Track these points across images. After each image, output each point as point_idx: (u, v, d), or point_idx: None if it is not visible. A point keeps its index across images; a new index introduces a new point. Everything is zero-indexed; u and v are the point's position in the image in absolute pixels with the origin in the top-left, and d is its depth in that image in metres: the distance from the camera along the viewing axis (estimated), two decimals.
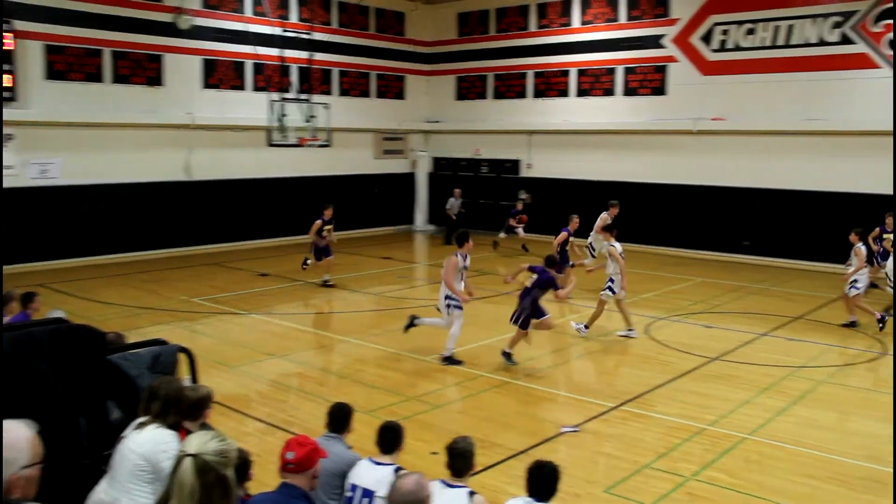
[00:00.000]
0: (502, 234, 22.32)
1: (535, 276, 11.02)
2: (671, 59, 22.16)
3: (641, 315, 14.17)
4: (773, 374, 10.88)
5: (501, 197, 25.42)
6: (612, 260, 12.76)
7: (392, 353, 11.83)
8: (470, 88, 26.95)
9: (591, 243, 17.09)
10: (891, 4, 18.67)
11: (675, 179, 22.09)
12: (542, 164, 25.10)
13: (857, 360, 11.72)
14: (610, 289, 12.70)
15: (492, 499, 5.32)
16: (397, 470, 5.03)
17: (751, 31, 20.77)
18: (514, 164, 25.85)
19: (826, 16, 19.65)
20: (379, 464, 5.15)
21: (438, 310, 11.44)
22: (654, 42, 22.40)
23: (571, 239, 15.81)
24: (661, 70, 22.35)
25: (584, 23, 23.89)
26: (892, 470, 7.72)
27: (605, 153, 23.42)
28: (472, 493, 4.77)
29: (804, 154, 20.07)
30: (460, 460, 4.92)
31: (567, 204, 20.73)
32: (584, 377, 10.79)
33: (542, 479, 4.78)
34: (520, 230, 21.85)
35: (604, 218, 16.48)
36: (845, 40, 19.38)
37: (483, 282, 17.58)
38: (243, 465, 4.45)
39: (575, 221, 15.88)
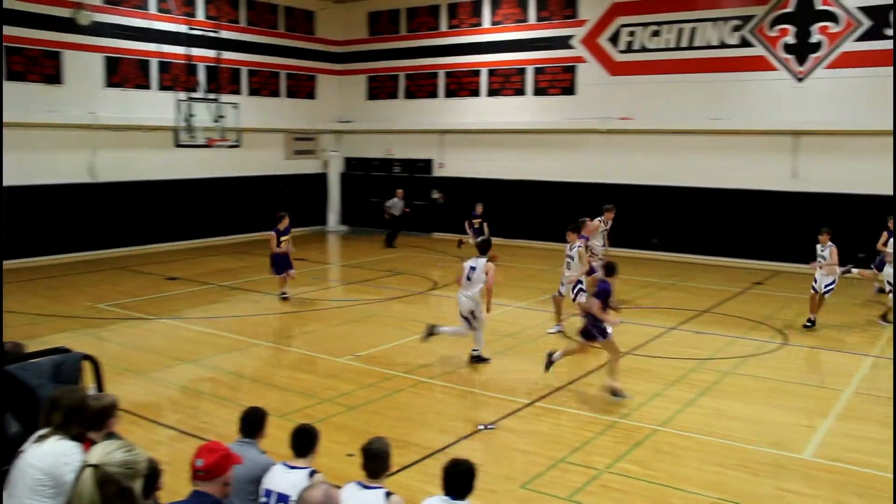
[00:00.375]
0: (469, 238, 20.20)
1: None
2: (580, 59, 22.56)
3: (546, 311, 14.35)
4: (681, 367, 11.19)
5: (414, 197, 25.43)
6: (579, 261, 12.87)
7: (306, 356, 11.69)
8: (381, 88, 26.87)
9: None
10: (787, 9, 19.45)
11: (585, 178, 22.49)
12: (455, 164, 25.23)
13: (759, 352, 12.14)
14: (582, 290, 12.79)
15: (409, 498, 5.29)
16: (312, 473, 4.95)
17: (656, 33, 21.33)
18: (427, 164, 25.90)
19: (726, 19, 20.33)
20: (293, 468, 5.07)
21: (465, 318, 11.10)
22: (563, 43, 22.77)
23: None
24: (571, 70, 22.73)
25: (494, 23, 24.11)
26: (795, 455, 8.05)
27: (517, 152, 23.70)
28: (388, 494, 4.73)
29: (708, 152, 20.73)
30: (376, 461, 4.88)
31: (481, 203, 20.90)
32: (500, 375, 10.86)
33: (459, 477, 4.78)
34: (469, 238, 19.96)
35: (595, 225, 15.24)
36: (745, 43, 20.10)
37: (397, 281, 17.58)
38: (152, 475, 4.29)
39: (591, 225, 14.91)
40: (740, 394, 10.16)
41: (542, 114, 23.22)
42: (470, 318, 11.01)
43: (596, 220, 15.29)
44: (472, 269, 11.02)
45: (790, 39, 19.52)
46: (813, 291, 13.70)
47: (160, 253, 21.33)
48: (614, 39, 21.97)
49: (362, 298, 15.89)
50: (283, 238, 15.32)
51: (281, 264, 15.36)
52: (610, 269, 10.06)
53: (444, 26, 25.19)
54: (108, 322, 13.61)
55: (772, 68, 19.80)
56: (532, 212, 22.16)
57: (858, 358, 11.80)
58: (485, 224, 20.22)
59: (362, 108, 27.24)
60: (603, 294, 9.69)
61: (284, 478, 5.00)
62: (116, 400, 4.99)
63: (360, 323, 13.37)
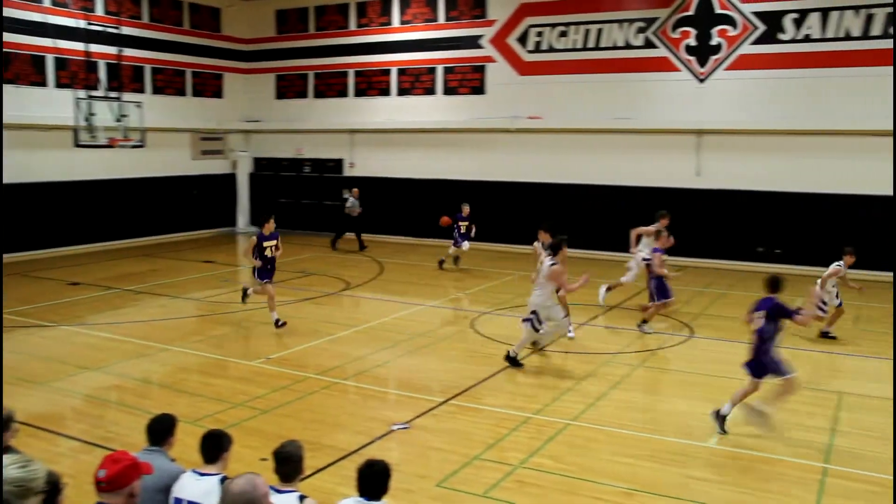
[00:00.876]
0: (452, 250, 19.24)
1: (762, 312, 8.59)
2: (489, 59, 22.76)
3: (467, 310, 14.46)
4: (593, 362, 11.40)
5: (325, 197, 25.21)
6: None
7: (216, 360, 11.43)
8: (290, 87, 26.51)
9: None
10: (689, 13, 20.06)
11: (496, 177, 22.73)
12: (366, 164, 25.11)
13: (667, 345, 12.47)
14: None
15: (323, 501, 5.23)
16: (223, 479, 4.83)
17: (563, 34, 21.68)
18: (338, 164, 25.69)
19: (631, 21, 20.83)
20: (203, 475, 4.93)
21: (537, 322, 11.00)
22: (472, 42, 22.92)
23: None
24: (480, 70, 22.91)
25: (403, 22, 24.08)
26: (701, 444, 8.30)
27: (428, 152, 23.76)
28: (302, 497, 4.66)
29: (615, 151, 21.20)
30: (288, 465, 4.80)
31: (392, 202, 20.87)
32: (413, 374, 10.85)
33: (373, 477, 4.74)
34: (465, 244, 18.91)
35: (649, 230, 14.42)
36: (649, 45, 20.64)
37: (309, 282, 17.39)
38: (53, 490, 4.11)
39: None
40: (649, 386, 10.43)
41: (453, 113, 23.33)
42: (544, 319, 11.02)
43: (652, 227, 14.36)
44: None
45: (692, 41, 20.14)
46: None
47: (62, 257, 20.53)
48: (523, 39, 22.24)
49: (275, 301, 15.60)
50: (267, 244, 12.92)
51: (265, 272, 13.04)
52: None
53: (353, 25, 25.02)
54: (5, 330, 12.99)
55: (675, 69, 20.39)
56: (444, 211, 22.13)
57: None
58: (472, 226, 19.12)
59: (271, 107, 26.83)
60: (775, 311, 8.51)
61: (195, 486, 4.86)
62: (12, 412, 4.77)
63: (272, 325, 13.15)
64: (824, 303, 12.61)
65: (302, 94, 26.22)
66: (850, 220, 18.53)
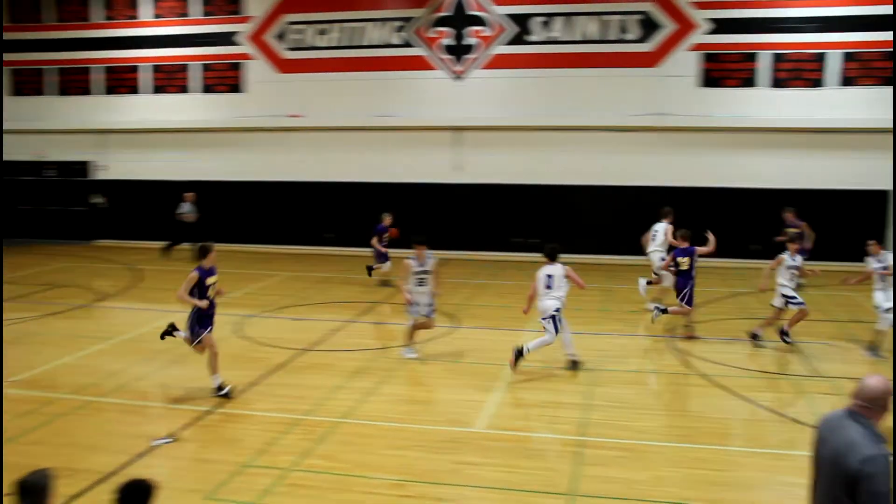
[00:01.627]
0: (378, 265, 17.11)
1: None
2: (247, 56, 22.19)
3: (230, 314, 14.02)
4: (361, 358, 11.44)
5: (71, 202, 23.44)
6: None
7: None
8: (26, 83, 24.31)
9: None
10: (445, 13, 20.70)
11: (257, 176, 22.23)
12: (119, 165, 23.58)
13: (433, 336, 12.71)
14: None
15: None
16: None
17: (323, 32, 21.61)
18: (84, 166, 23.91)
19: (389, 20, 21.16)
20: None
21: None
22: (228, 39, 22.23)
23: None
24: (238, 67, 22.28)
25: (155, 16, 22.88)
26: (469, 429, 8.59)
27: (185, 152, 22.74)
28: None
29: (377, 149, 21.48)
30: (33, 496, 4.37)
31: (147, 205, 19.73)
32: (177, 384, 10.30)
33: (133, 498, 4.43)
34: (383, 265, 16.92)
35: (668, 230, 14.52)
36: (407, 44, 21.07)
37: (57, 295, 16.08)
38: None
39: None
40: (418, 378, 10.64)
41: (211, 112, 22.50)
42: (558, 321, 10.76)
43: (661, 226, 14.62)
44: (550, 276, 10.75)
45: (448, 41, 20.83)
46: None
47: None
48: (281, 37, 21.89)
49: (15, 317, 14.17)
50: (210, 280, 9.78)
51: (208, 320, 9.86)
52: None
53: (97, 17, 23.37)
54: None
55: (433, 68, 20.98)
56: (203, 213, 21.31)
57: (517, 333, 12.86)
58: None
59: (6, 105, 24.46)
60: None
61: None
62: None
63: (15, 344, 11.99)
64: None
65: (39, 91, 24.11)
66: (603, 210, 20.09)
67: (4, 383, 10.13)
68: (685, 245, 12.66)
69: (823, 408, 9.43)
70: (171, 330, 9.99)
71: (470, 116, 20.61)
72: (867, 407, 4.12)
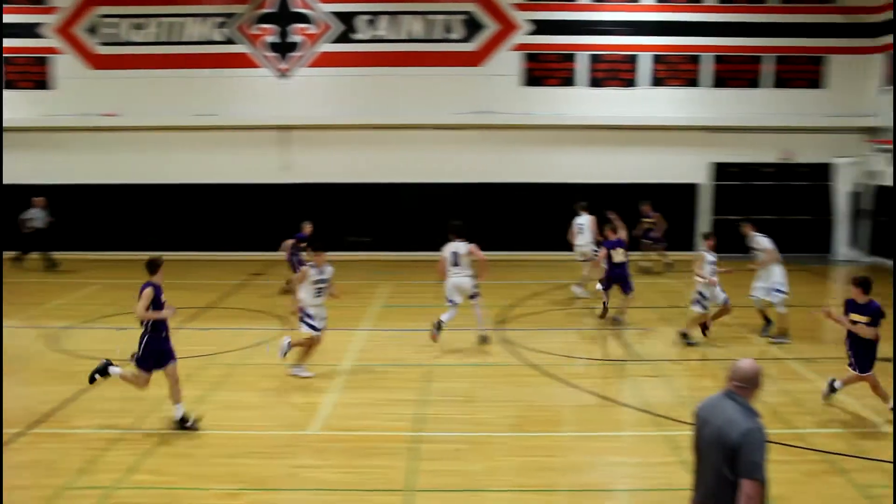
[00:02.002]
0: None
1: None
2: (54, 50, 20.79)
3: (45, 327, 13.12)
4: (189, 366, 10.93)
5: None
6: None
7: None
8: None
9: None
10: (268, 10, 20.27)
11: (72, 179, 20.82)
12: None
13: (264, 340, 12.42)
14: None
15: None
16: None
17: (139, 26, 20.58)
18: None
19: (209, 16, 20.45)
20: None
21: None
22: (31, 31, 20.73)
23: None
24: (44, 62, 20.84)
25: None
26: (304, 432, 8.45)
27: None
28: None
29: (198, 148, 20.72)
30: None
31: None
32: None
33: None
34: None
35: (592, 222, 15.69)
36: (229, 40, 20.45)
37: None
38: None
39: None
40: (250, 383, 10.36)
41: (14, 110, 20.85)
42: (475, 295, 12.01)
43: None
44: (455, 254, 11.77)
45: (273, 38, 20.40)
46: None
47: None
48: (93, 30, 20.67)
49: None
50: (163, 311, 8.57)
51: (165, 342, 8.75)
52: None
53: None
54: None
55: (256, 65, 20.49)
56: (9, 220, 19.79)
57: (350, 333, 12.83)
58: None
59: None
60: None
61: None
62: None
63: None
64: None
65: None
66: (431, 207, 20.29)
67: None
68: (615, 238, 13.43)
69: (646, 390, 10.03)
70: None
71: (296, 115, 20.27)
72: (742, 387, 4.58)
